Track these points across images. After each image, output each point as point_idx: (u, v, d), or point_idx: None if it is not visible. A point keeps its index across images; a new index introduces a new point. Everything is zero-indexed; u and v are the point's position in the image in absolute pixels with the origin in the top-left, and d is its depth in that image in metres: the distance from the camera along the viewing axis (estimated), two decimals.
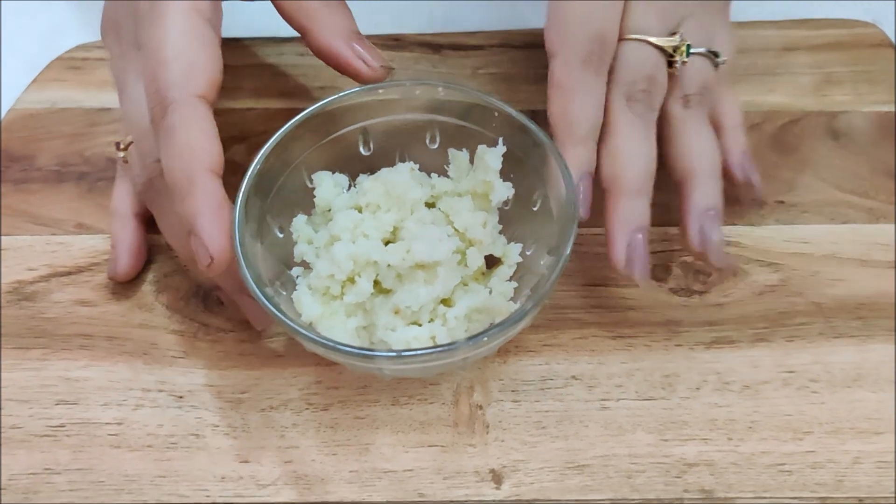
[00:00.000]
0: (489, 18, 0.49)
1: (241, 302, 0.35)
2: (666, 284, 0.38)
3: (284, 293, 0.34)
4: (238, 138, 0.42)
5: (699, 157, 0.36)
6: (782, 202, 0.40)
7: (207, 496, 0.33)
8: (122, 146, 0.37)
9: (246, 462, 0.33)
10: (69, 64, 0.46)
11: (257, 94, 0.45)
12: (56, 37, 0.48)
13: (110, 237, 0.38)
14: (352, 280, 0.33)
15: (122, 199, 0.38)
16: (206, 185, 0.30)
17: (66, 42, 0.47)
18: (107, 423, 0.34)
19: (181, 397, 0.35)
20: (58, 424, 0.34)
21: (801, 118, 0.44)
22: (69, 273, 0.39)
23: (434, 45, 0.47)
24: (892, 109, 0.44)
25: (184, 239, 0.31)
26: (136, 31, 0.34)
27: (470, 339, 0.29)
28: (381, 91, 0.35)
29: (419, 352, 0.30)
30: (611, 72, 0.36)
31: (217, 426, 0.34)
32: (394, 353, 0.30)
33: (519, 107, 0.34)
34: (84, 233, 0.40)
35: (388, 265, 0.33)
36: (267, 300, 0.30)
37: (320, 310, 0.33)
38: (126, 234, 0.38)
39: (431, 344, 0.32)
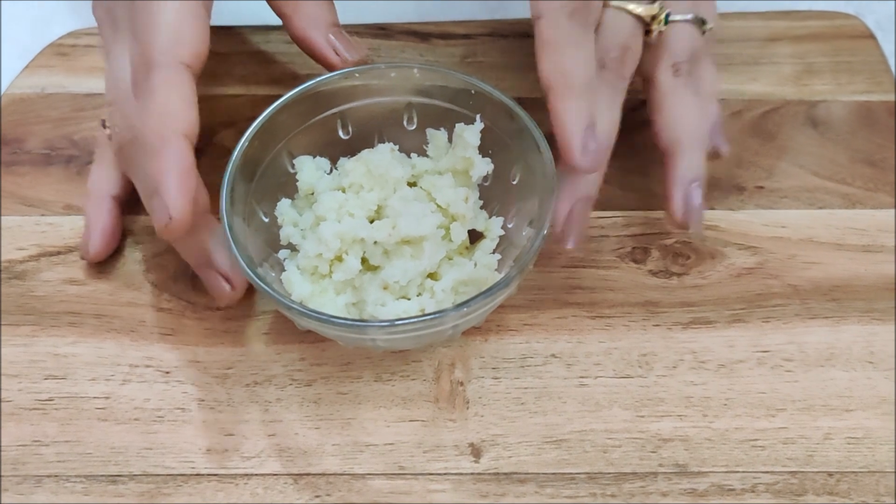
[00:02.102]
0: (479, 15, 0.49)
1: (203, 276, 0.35)
2: (645, 266, 0.38)
3: (273, 274, 0.34)
4: (226, 123, 0.43)
5: (687, 127, 0.37)
6: (762, 187, 0.41)
7: (193, 467, 0.33)
8: (106, 123, 0.37)
9: (231, 435, 0.34)
10: (58, 50, 0.47)
11: (245, 80, 0.45)
12: (47, 25, 0.49)
13: (84, 217, 0.38)
14: (339, 258, 0.34)
15: (100, 180, 0.39)
16: (177, 147, 0.30)
17: (55, 30, 0.48)
18: (94, 398, 0.35)
19: (168, 373, 0.36)
20: (46, 398, 0.35)
21: (782, 106, 0.44)
22: (58, 253, 0.39)
23: (422, 34, 0.48)
24: (871, 99, 0.44)
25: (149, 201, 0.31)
26: (130, 10, 0.34)
27: (458, 306, 0.30)
28: (357, 75, 0.36)
29: (410, 320, 0.30)
30: None
31: (203, 400, 0.35)
32: (386, 323, 0.31)
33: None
34: (72, 214, 0.40)
35: (375, 242, 0.33)
36: (259, 280, 0.31)
37: (310, 288, 0.33)
38: (100, 215, 0.38)
39: None
